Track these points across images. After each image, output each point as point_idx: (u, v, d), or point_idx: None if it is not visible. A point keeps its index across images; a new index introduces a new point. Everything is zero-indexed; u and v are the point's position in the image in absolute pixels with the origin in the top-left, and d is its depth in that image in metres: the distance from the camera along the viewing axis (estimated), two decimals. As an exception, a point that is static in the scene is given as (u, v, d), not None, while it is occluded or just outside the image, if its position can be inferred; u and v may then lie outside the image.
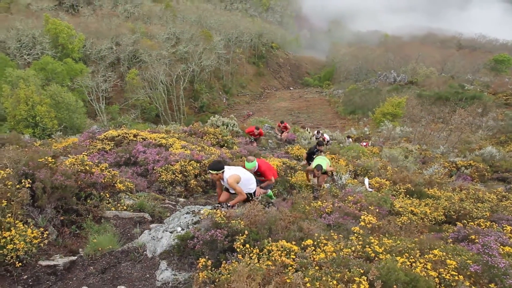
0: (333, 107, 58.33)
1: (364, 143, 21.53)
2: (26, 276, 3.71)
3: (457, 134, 25.04)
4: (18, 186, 4.30)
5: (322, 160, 9.10)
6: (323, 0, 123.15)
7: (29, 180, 4.48)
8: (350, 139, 22.44)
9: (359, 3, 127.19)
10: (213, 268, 3.42)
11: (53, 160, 5.37)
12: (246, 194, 5.94)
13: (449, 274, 3.65)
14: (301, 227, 4.13)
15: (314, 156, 10.11)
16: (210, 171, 5.60)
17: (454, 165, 15.45)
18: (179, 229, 4.17)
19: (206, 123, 17.24)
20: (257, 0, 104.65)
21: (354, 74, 76.15)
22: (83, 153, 7.83)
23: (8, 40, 42.71)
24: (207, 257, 3.54)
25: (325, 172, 9.11)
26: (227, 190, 6.20)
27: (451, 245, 5.07)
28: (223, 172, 5.62)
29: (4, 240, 3.71)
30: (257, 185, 6.89)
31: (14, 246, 3.71)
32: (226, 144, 12.61)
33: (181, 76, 52.29)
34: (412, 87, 53.45)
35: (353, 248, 3.70)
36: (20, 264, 3.72)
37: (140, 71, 49.65)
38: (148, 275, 3.84)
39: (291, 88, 79.10)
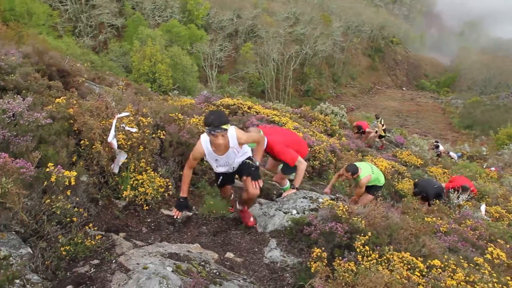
0: (447, 117, 53.17)
1: (493, 168, 17.68)
2: (149, 220, 3.99)
3: None
4: (153, 135, 4.60)
5: (366, 166, 6.21)
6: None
7: (163, 132, 4.76)
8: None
9: (507, 4, 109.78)
10: (326, 261, 3.26)
11: (182, 117, 5.67)
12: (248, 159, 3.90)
13: None
14: (425, 243, 3.72)
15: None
16: (222, 127, 3.31)
17: None
18: (294, 211, 4.07)
19: (310, 108, 16.73)
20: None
21: (481, 85, 68.12)
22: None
23: (145, 1, 46.92)
24: (323, 248, 3.38)
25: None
26: (236, 171, 3.99)
27: None
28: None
29: (136, 182, 4.02)
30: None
31: (144, 190, 3.99)
32: (334, 134, 12.22)
33: (293, 57, 52.44)
34: (554, 111, 45.97)
35: (490, 285, 3.21)
36: (146, 207, 4.00)
37: (254, 46, 51.06)
38: (256, 249, 3.82)
39: (404, 89, 73.93)
